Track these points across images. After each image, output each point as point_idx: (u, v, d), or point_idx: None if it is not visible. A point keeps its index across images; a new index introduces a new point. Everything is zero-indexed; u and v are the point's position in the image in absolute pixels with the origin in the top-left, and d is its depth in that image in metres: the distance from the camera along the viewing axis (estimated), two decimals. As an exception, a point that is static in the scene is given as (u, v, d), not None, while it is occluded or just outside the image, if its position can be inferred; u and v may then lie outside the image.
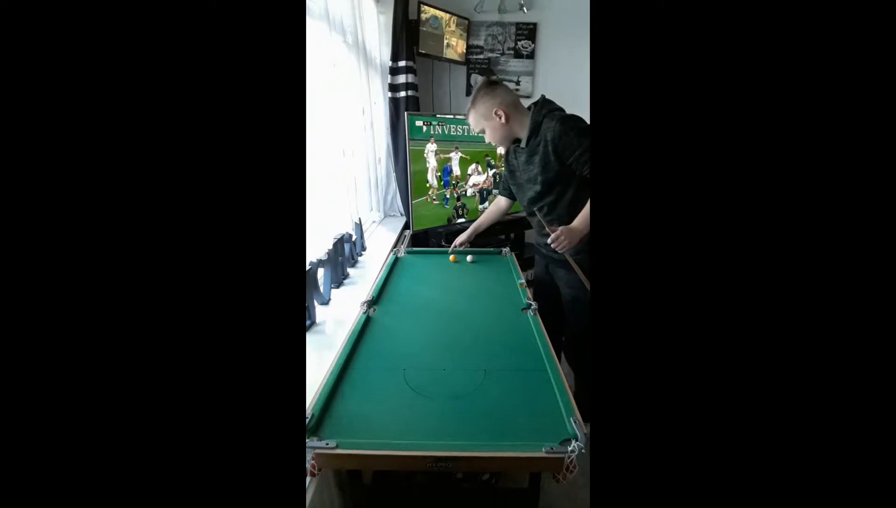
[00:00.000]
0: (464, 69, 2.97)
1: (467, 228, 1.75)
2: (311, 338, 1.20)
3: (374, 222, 2.50)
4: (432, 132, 2.29)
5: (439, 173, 2.40)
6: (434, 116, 2.34)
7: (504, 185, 1.65)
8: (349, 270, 1.69)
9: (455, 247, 1.73)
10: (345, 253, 1.65)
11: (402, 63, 2.42)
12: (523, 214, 1.58)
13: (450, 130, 2.38)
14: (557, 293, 1.54)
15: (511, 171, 1.52)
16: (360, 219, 1.96)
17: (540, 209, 1.42)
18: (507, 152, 1.52)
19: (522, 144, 1.38)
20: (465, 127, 2.42)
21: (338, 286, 1.55)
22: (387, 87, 2.45)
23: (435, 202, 2.42)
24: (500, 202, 1.71)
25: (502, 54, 2.95)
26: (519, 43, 2.92)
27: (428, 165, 2.33)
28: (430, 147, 2.33)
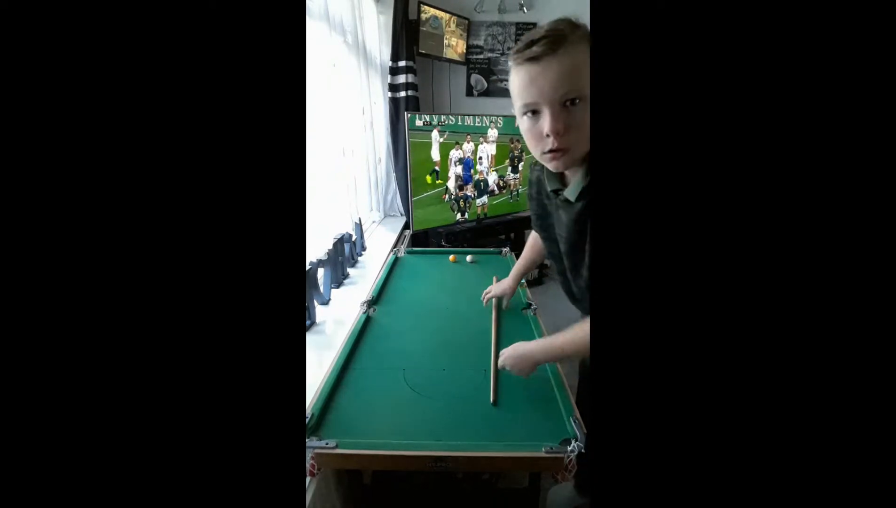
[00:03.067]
0: (464, 69, 2.97)
1: (467, 228, 1.70)
2: (311, 338, 1.20)
3: (374, 222, 2.50)
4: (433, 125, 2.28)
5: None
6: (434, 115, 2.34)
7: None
8: (349, 270, 1.69)
9: (490, 297, 1.30)
10: (345, 253, 1.65)
11: (402, 63, 2.42)
12: (524, 213, 1.50)
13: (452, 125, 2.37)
14: None
15: (540, 215, 0.97)
16: (360, 219, 1.96)
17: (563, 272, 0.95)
18: (536, 184, 0.94)
19: (570, 197, 0.78)
20: (461, 116, 2.41)
21: (338, 286, 1.55)
22: (387, 87, 2.45)
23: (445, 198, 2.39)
24: (538, 240, 1.13)
25: (502, 54, 2.95)
26: (519, 43, 2.92)
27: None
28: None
